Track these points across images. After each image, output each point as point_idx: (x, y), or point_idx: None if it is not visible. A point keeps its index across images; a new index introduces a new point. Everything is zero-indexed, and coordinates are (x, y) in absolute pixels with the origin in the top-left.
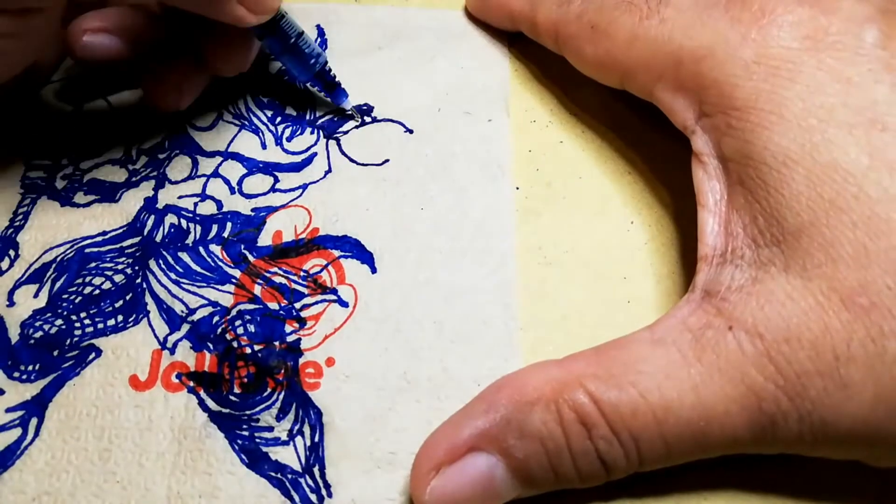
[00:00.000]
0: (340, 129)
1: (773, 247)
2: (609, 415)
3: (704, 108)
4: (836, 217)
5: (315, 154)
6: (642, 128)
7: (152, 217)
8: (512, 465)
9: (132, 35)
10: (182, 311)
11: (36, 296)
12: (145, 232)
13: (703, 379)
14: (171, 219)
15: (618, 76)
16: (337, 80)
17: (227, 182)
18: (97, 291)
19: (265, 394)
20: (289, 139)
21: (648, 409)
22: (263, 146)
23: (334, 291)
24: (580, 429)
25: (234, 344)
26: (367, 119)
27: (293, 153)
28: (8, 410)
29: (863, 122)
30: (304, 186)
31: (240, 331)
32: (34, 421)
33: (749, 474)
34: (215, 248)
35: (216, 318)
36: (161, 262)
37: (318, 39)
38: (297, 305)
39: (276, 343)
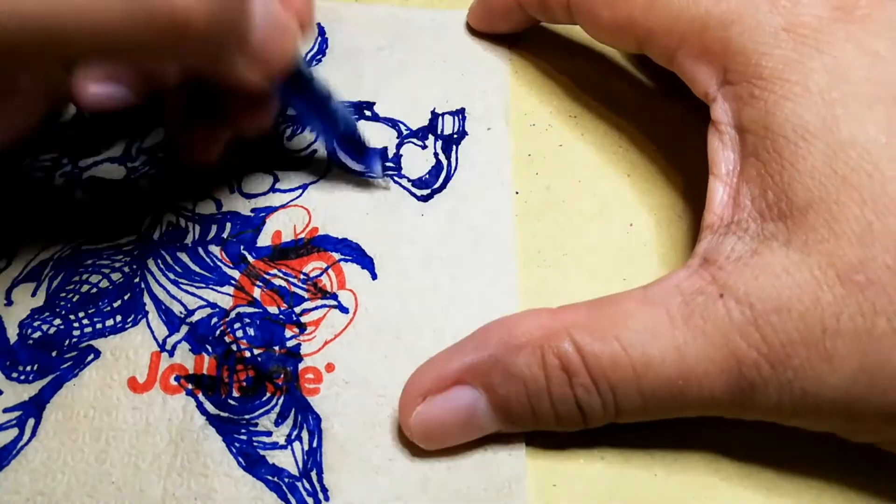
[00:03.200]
0: None
1: (779, 222)
2: (590, 364)
3: (729, 75)
4: (846, 193)
5: (315, 151)
6: (642, 130)
7: (150, 215)
8: (494, 400)
9: (139, 80)
10: (181, 313)
11: (34, 294)
12: (142, 229)
13: (687, 340)
14: (169, 217)
15: (636, 41)
16: (369, 142)
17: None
18: (95, 290)
19: (264, 398)
20: (289, 138)
21: (629, 362)
22: (263, 145)
23: (334, 297)
24: (562, 375)
25: (234, 347)
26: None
27: (293, 151)
28: (6, 411)
29: (884, 98)
30: (304, 187)
31: (239, 334)
32: (31, 421)
33: (746, 450)
34: (214, 249)
35: (215, 320)
36: (160, 261)
37: (319, 38)
38: (297, 310)
39: (276, 348)
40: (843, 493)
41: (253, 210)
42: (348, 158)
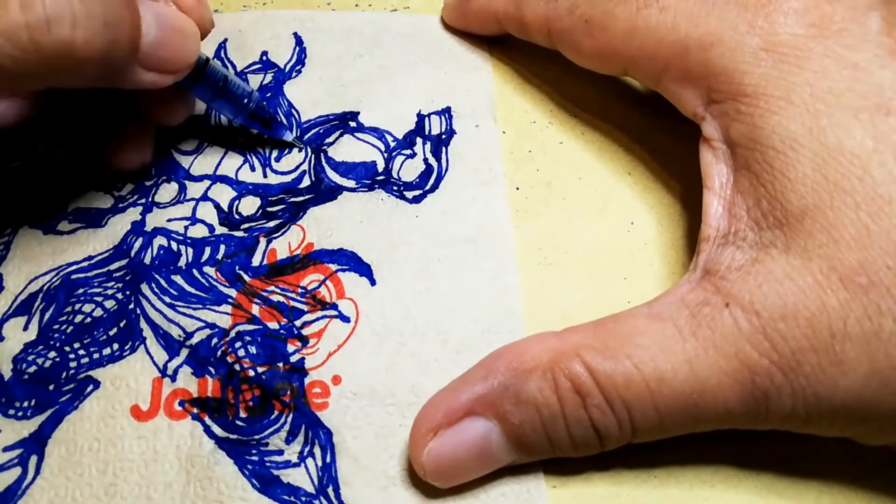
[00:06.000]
0: (327, 142)
1: (776, 229)
2: (603, 384)
3: (714, 95)
4: (839, 199)
5: (304, 172)
6: (643, 128)
7: (140, 239)
8: (507, 430)
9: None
10: (179, 336)
11: (25, 328)
12: (132, 254)
13: (698, 353)
14: (160, 241)
15: (619, 67)
16: (272, 115)
17: (217, 206)
18: (88, 319)
19: (272, 417)
20: (276, 159)
21: (642, 379)
22: (252, 168)
23: (334, 307)
24: (575, 397)
25: (237, 367)
26: (301, 146)
27: (282, 173)
28: (5, 449)
29: (868, 106)
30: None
31: (241, 353)
32: (34, 459)
33: (744, 450)
34: (209, 270)
35: (215, 341)
36: (154, 285)
37: (297, 48)
38: (298, 323)
39: (280, 364)
40: (843, 493)
41: (246, 231)
42: (259, 131)
